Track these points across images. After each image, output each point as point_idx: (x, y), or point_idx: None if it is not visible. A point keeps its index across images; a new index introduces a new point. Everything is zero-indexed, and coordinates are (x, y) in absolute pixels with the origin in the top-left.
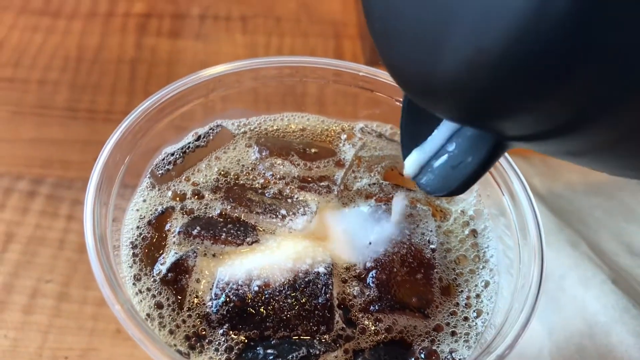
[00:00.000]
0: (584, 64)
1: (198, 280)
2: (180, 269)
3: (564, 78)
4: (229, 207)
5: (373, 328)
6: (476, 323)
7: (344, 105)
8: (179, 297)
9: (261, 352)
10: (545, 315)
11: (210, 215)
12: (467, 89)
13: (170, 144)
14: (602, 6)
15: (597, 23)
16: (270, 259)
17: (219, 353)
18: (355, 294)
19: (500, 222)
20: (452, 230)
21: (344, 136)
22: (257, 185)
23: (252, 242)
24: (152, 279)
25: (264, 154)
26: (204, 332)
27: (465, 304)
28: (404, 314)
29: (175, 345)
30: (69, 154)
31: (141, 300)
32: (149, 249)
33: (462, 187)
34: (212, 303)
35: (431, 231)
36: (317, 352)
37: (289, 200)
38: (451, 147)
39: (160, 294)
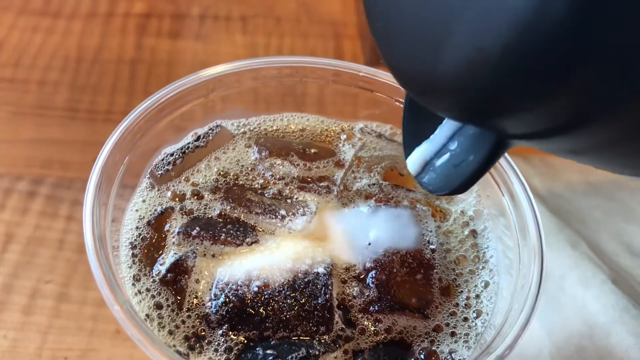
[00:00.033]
0: (584, 64)
1: (197, 281)
2: (179, 269)
3: (564, 78)
4: (229, 207)
5: (373, 328)
6: (476, 323)
7: (344, 106)
8: (179, 298)
9: (260, 352)
10: (545, 316)
11: (210, 216)
12: (467, 88)
13: (170, 144)
14: (601, 6)
15: (596, 23)
16: (269, 259)
17: (218, 353)
18: (354, 294)
19: (500, 222)
20: (451, 231)
21: (343, 136)
22: (256, 185)
23: (252, 243)
24: (151, 280)
25: (263, 154)
26: (203, 333)
27: (465, 305)
28: (404, 314)
29: (174, 345)
30: (68, 155)
31: (140, 301)
32: (149, 249)
33: (464, 185)
34: (211, 303)
35: (431, 231)
36: (317, 353)
37: (289, 201)
38: (453, 146)
39: (160, 294)
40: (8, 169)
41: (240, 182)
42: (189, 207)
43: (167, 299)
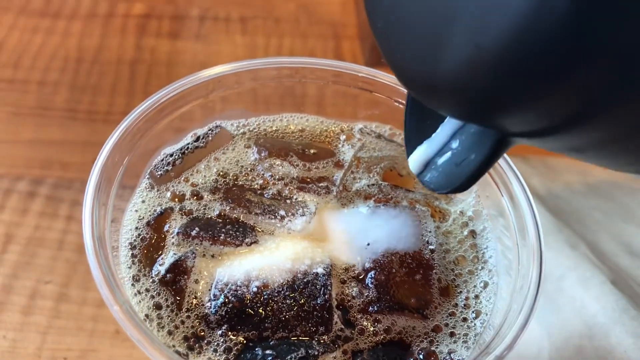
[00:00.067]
0: (584, 63)
1: (197, 281)
2: (179, 269)
3: (564, 77)
4: (228, 208)
5: (372, 329)
6: (475, 324)
7: (343, 106)
8: (178, 298)
9: (260, 352)
10: (544, 316)
11: (209, 216)
12: (468, 87)
13: (169, 144)
14: (601, 6)
15: (596, 22)
16: (269, 259)
17: (217, 354)
18: (354, 294)
19: (499, 222)
20: (451, 231)
21: (343, 137)
22: (256, 186)
23: (251, 243)
24: (150, 280)
25: (262, 154)
26: (202, 333)
27: (464, 305)
28: (403, 314)
29: (173, 346)
30: (68, 155)
31: (140, 301)
32: (148, 249)
33: (466, 184)
34: (210, 304)
35: (430, 232)
36: (316, 353)
37: (288, 201)
38: (455, 144)
39: (159, 294)
40: (8, 169)
41: (240, 183)
42: (188, 208)
43: (166, 300)
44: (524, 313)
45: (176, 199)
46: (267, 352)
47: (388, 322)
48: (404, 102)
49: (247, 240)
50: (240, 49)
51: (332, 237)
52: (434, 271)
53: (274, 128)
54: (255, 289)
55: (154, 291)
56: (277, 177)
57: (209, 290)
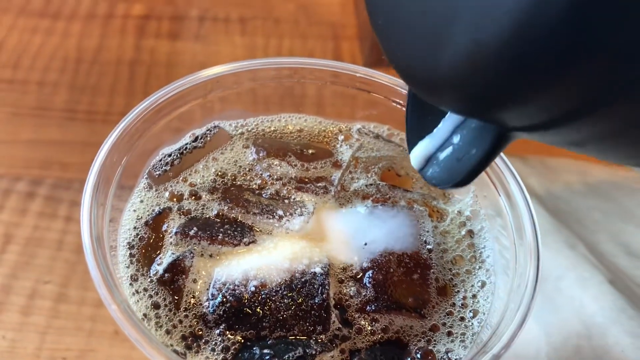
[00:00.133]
0: (582, 58)
1: (195, 281)
2: (177, 269)
3: (563, 72)
4: (226, 207)
5: (369, 328)
6: (472, 323)
7: (342, 107)
8: (176, 298)
9: (257, 352)
10: (543, 316)
11: (208, 216)
12: (468, 83)
13: (168, 145)
14: (600, 1)
15: (594, 17)
16: (267, 259)
17: (215, 353)
18: (351, 294)
19: (497, 222)
20: (448, 231)
21: (341, 137)
22: (254, 186)
23: (249, 243)
24: (149, 279)
25: (261, 154)
26: (200, 332)
27: (462, 304)
28: (401, 314)
29: (171, 345)
30: (67, 155)
31: (138, 301)
32: (146, 249)
33: (467, 178)
34: (208, 303)
35: (428, 232)
36: (314, 352)
37: (286, 201)
38: (456, 139)
39: (157, 294)
40: (7, 169)
41: (238, 183)
42: (186, 208)
43: (164, 299)
44: (521, 312)
45: (174, 199)
46: (265, 351)
47: (386, 321)
48: (402, 102)
49: (245, 240)
50: (240, 49)
51: (330, 236)
52: (432, 271)
53: (272, 128)
54: (253, 289)
55: (152, 291)
56: (275, 177)
57: (207, 289)
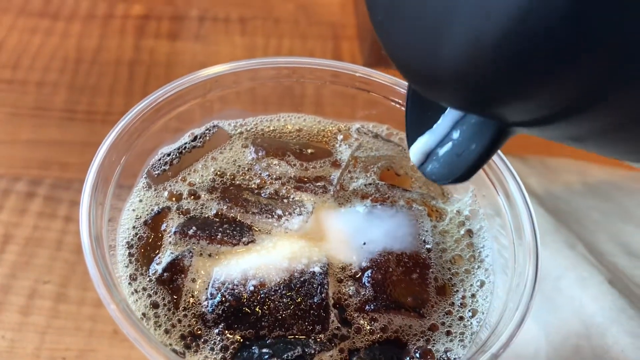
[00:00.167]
0: (582, 53)
1: (194, 280)
2: (176, 268)
3: (563, 67)
4: (225, 207)
5: (368, 327)
6: (471, 322)
7: (341, 106)
8: (175, 297)
9: (256, 351)
10: (542, 316)
11: (207, 216)
12: (468, 78)
13: (167, 144)
14: None
15: (594, 12)
16: (266, 258)
17: (214, 352)
18: (350, 293)
19: (496, 222)
20: (447, 230)
21: (340, 137)
22: (253, 185)
23: (248, 242)
24: (147, 279)
25: (260, 154)
26: (199, 332)
27: (461, 304)
28: (400, 313)
29: (170, 344)
30: (67, 156)
31: (137, 300)
32: (145, 248)
33: (467, 173)
34: (207, 302)
35: (427, 231)
36: (313, 352)
37: (285, 201)
38: (456, 135)
39: (156, 293)
40: (6, 169)
41: (237, 182)
42: (185, 207)
43: (163, 298)
44: (520, 311)
45: (173, 198)
46: (264, 350)
47: (385, 320)
48: (401, 102)
49: (244, 239)
50: (240, 49)
51: (329, 236)
52: (431, 270)
53: (271, 128)
54: (252, 288)
55: (151, 290)
56: (275, 176)
57: (206, 289)
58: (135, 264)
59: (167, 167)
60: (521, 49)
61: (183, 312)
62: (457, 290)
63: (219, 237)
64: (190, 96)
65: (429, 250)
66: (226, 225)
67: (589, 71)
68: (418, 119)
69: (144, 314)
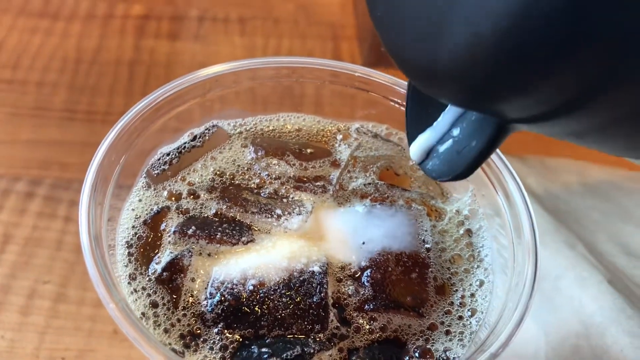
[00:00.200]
0: (581, 49)
1: (193, 280)
2: (175, 268)
3: (562, 62)
4: (225, 206)
5: (368, 327)
6: (470, 322)
7: (341, 106)
8: (174, 296)
9: (256, 350)
10: (541, 316)
11: (206, 215)
12: (468, 74)
13: (166, 144)
14: None
15: (592, 7)
16: (265, 258)
17: (213, 352)
18: (350, 293)
19: (495, 221)
20: (447, 230)
21: (339, 136)
22: (252, 185)
23: (248, 242)
24: (147, 278)
25: (259, 154)
26: (198, 331)
27: (460, 303)
28: (399, 312)
29: (170, 344)
30: (66, 156)
31: (136, 299)
32: (144, 248)
33: (467, 170)
34: (207, 302)
35: (426, 231)
36: (312, 351)
37: (285, 200)
38: (456, 132)
39: (156, 293)
40: (6, 169)
41: (237, 182)
42: (185, 207)
43: (162, 298)
44: (519, 311)
45: (173, 198)
46: (263, 350)
47: (384, 320)
48: (400, 101)
49: (243, 239)
50: (239, 49)
51: (328, 235)
52: (430, 270)
53: (270, 128)
54: (251, 288)
55: (151, 289)
56: (274, 176)
57: (205, 288)
58: (135, 264)
59: (166, 167)
60: (520, 44)
61: (182, 312)
62: (457, 290)
63: (218, 236)
64: (189, 96)
65: (428, 249)
66: (225, 225)
67: (588, 66)
68: (418, 116)
69: (143, 314)
